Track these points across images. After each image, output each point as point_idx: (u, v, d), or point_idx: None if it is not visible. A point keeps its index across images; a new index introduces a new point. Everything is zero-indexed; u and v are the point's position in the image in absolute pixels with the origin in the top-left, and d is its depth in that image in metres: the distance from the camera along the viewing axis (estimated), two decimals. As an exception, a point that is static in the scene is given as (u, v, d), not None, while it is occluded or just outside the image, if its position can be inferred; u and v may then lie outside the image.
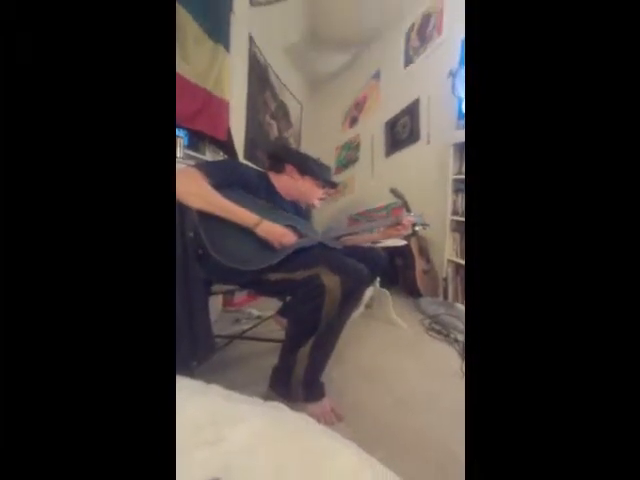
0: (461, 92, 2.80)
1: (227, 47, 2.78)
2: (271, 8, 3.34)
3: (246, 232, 1.28)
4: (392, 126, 3.66)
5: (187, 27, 2.43)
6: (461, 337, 2.14)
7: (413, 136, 3.41)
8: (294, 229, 1.39)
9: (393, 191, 2.56)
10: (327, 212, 4.14)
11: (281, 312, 1.70)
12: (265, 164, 1.56)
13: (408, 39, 3.56)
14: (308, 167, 1.50)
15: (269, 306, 1.93)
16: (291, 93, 4.13)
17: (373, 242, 1.95)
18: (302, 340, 1.22)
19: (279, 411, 0.80)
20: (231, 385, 0.78)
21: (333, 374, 1.44)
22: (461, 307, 2.61)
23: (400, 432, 1.21)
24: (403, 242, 2.65)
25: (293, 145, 4.21)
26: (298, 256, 1.28)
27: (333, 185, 1.56)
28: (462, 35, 2.79)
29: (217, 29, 2.68)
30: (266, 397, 0.84)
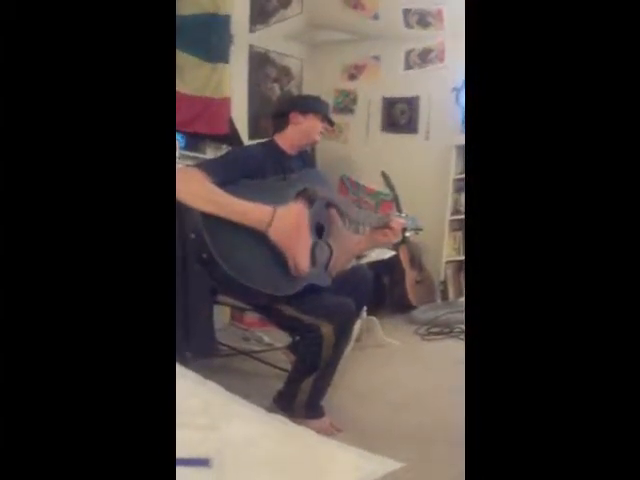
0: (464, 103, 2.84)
1: (227, 61, 2.82)
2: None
3: (256, 237, 1.27)
4: (390, 104, 3.65)
5: (184, 60, 2.53)
6: (467, 327, 2.18)
7: (411, 126, 3.42)
8: (305, 192, 1.40)
9: (384, 176, 2.54)
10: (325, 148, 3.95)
11: (290, 348, 1.77)
12: (270, 131, 1.61)
13: (408, 54, 3.60)
14: (309, 104, 1.58)
15: (280, 338, 2.03)
16: (291, 56, 4.07)
17: (359, 256, 1.98)
18: (306, 375, 1.41)
19: (280, 420, 0.85)
20: (235, 392, 0.84)
21: (333, 401, 1.57)
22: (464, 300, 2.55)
23: (402, 430, 1.29)
24: (391, 253, 2.53)
25: (295, 94, 4.14)
26: (305, 298, 1.35)
27: (331, 122, 1.63)
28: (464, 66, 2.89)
29: (216, 56, 2.73)
30: (269, 410, 0.90)
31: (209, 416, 0.78)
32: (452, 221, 3.04)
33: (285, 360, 1.69)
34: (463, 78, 2.97)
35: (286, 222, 1.28)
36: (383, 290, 2.83)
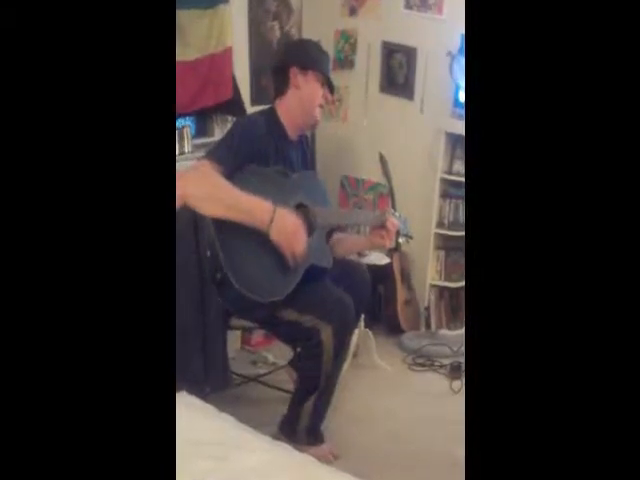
0: (459, 79, 2.82)
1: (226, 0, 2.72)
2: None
3: (261, 243, 1.34)
4: (389, 53, 3.58)
5: (184, 18, 2.47)
6: (446, 361, 2.34)
7: (408, 88, 3.37)
8: (303, 208, 1.49)
9: (382, 160, 2.63)
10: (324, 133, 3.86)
11: (292, 364, 1.83)
12: (271, 93, 1.66)
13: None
14: (310, 57, 1.60)
15: (283, 353, 2.09)
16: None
17: (360, 253, 2.05)
18: (307, 396, 1.52)
19: (284, 448, 0.90)
20: (245, 421, 0.89)
21: (331, 424, 1.69)
22: (445, 332, 2.67)
23: (393, 458, 1.38)
24: (387, 260, 2.63)
25: (295, 37, 4.07)
26: (306, 294, 1.42)
27: (331, 88, 1.65)
28: (461, 29, 2.82)
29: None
30: (275, 437, 0.96)
31: (222, 446, 0.83)
32: (435, 235, 2.73)
33: (289, 381, 1.74)
34: (458, 46, 2.96)
35: (285, 224, 1.36)
36: (379, 301, 2.87)
